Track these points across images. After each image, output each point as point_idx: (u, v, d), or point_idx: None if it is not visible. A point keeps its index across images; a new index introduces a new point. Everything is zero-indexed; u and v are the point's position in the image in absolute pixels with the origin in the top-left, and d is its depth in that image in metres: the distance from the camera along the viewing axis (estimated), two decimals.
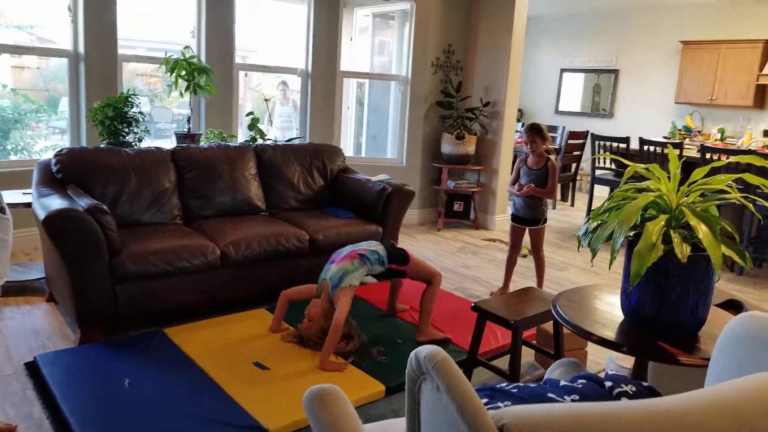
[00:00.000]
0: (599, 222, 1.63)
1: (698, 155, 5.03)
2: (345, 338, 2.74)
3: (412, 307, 3.28)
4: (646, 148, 5.19)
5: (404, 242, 4.98)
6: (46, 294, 3.36)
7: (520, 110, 8.66)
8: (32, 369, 2.54)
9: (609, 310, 1.70)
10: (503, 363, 2.77)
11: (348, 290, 2.69)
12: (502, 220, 5.73)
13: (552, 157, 3.59)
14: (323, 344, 2.64)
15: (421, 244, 5.02)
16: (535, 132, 3.52)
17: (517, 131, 7.09)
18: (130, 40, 4.69)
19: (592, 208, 5.65)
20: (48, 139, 4.67)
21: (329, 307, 2.70)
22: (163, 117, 7.23)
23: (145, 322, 3.04)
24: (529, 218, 3.63)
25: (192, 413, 2.21)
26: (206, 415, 2.20)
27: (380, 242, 2.98)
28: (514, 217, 3.72)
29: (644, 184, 1.62)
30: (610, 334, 1.51)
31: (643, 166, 1.62)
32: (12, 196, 3.47)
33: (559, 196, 7.40)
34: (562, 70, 8.69)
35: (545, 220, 3.66)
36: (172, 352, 2.70)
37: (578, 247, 1.67)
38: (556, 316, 1.63)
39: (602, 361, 2.86)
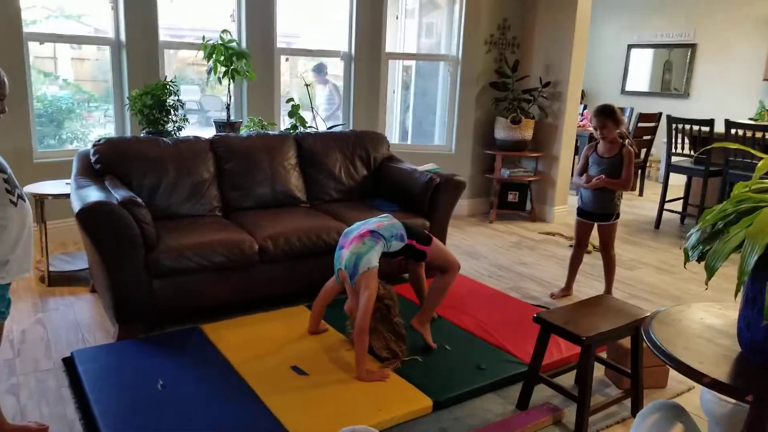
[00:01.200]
0: (707, 227, 1.27)
1: None
2: (395, 337, 2.47)
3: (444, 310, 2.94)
4: (733, 131, 4.60)
5: (454, 235, 4.67)
6: (90, 285, 3.32)
7: (582, 91, 8.11)
8: (69, 365, 2.48)
9: (719, 340, 1.34)
10: (569, 378, 2.45)
11: (369, 274, 2.37)
12: (562, 212, 5.30)
13: (627, 142, 3.17)
14: (385, 342, 2.41)
15: (473, 238, 4.69)
16: (606, 115, 3.11)
17: (580, 114, 6.60)
18: (176, 29, 4.58)
19: (666, 198, 5.16)
20: (106, 128, 4.68)
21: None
22: (214, 105, 7.20)
23: (184, 317, 2.93)
24: (599, 213, 3.24)
25: (223, 423, 2.07)
26: (237, 426, 2.05)
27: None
28: (581, 212, 3.33)
29: None
30: (727, 375, 1.17)
31: None
32: (57, 186, 3.42)
33: None
34: (630, 46, 8.02)
35: (618, 215, 3.25)
36: (208, 351, 2.57)
37: (684, 263, 1.32)
38: (651, 347, 1.29)
39: (685, 380, 2.47)
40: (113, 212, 2.57)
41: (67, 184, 3.52)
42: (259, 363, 2.46)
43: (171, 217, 3.18)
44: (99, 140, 3.24)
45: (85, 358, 2.48)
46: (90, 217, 2.55)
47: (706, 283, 1.22)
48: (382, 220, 2.58)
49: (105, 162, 3.14)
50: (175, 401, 2.19)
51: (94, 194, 2.70)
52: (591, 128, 3.21)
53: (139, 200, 2.72)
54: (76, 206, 2.62)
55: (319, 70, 5.47)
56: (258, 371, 2.39)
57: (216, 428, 2.03)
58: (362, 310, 2.32)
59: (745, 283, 1.20)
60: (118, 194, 2.74)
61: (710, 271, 1.18)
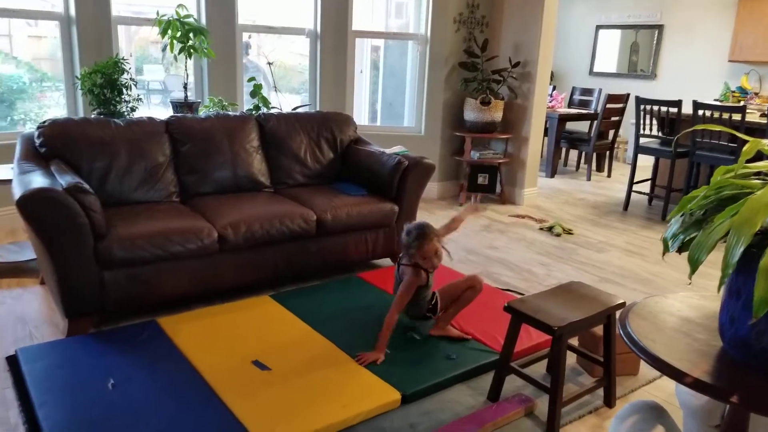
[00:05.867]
0: (686, 215, 1.19)
1: (763, 120, 4.44)
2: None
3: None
4: (701, 112, 4.61)
5: (423, 219, 4.57)
6: (39, 276, 3.11)
7: (551, 72, 8.11)
8: (13, 364, 2.30)
9: (697, 334, 1.28)
10: (540, 367, 2.40)
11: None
12: (532, 194, 5.27)
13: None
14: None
15: (443, 222, 4.59)
16: (429, 238, 2.45)
17: (549, 95, 6.56)
18: (134, 4, 4.30)
19: (635, 180, 5.17)
20: (65, 109, 4.39)
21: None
22: (178, 85, 6.91)
23: (138, 310, 2.78)
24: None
25: (178, 424, 1.93)
26: (193, 428, 1.92)
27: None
28: None
29: (757, 166, 1.17)
30: (709, 375, 1.10)
31: (766, 141, 1.17)
32: (3, 171, 3.16)
33: (594, 166, 6.86)
34: (598, 27, 8.00)
35: None
36: (164, 346, 2.42)
37: (663, 253, 1.24)
38: (629, 343, 1.22)
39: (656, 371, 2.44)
40: (57, 200, 2.38)
41: (12, 168, 3.29)
42: (218, 358, 2.33)
43: (124, 204, 3.00)
44: (44, 122, 3.02)
45: (31, 357, 2.30)
46: (31, 206, 2.34)
47: (690, 277, 1.14)
48: None
49: (51, 145, 2.92)
50: (127, 402, 2.04)
51: (37, 180, 2.50)
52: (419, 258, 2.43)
53: (86, 186, 2.53)
54: (17, 193, 2.41)
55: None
56: (217, 367, 2.26)
57: (171, 430, 1.90)
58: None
59: (732, 277, 1.13)
60: (64, 180, 2.54)
61: (694, 264, 1.10)
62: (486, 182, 5.26)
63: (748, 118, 4.59)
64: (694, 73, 7.06)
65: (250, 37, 4.76)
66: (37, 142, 2.95)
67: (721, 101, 6.22)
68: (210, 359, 2.31)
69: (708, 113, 4.59)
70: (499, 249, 4.01)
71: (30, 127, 4.22)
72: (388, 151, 3.53)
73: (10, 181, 3.02)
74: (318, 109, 4.82)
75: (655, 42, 7.42)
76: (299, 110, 4.12)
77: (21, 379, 2.19)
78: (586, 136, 6.62)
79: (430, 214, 4.78)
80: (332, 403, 2.06)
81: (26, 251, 3.39)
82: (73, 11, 3.87)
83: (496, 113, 5.00)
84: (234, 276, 2.90)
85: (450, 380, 2.26)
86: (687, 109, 4.91)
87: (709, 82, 6.88)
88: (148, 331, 2.54)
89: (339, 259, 3.25)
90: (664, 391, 2.31)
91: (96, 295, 2.53)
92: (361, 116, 5.41)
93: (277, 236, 2.96)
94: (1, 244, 3.52)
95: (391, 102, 5.66)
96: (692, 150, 4.72)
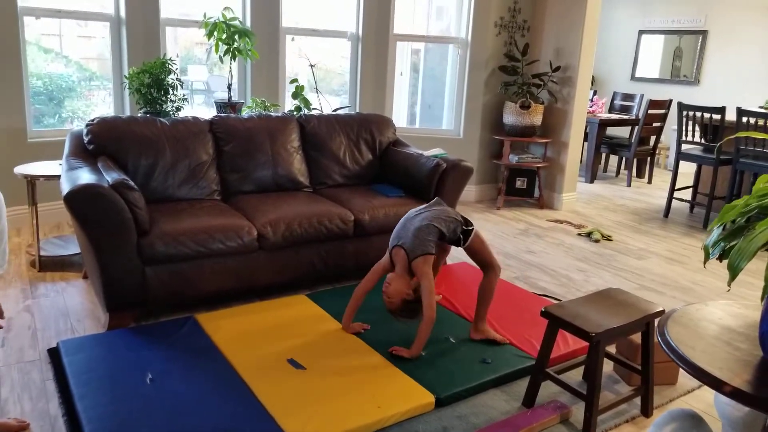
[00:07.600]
0: (727, 222, 1.18)
1: None
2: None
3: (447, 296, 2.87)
4: (745, 120, 4.48)
5: None
6: (83, 271, 3.22)
7: (592, 77, 7.96)
8: (54, 356, 2.37)
9: (738, 343, 1.25)
10: (576, 374, 2.37)
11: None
12: (570, 199, 5.19)
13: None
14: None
15: (480, 225, 4.59)
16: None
17: (590, 100, 6.45)
18: (181, 5, 4.45)
19: (676, 186, 5.04)
20: (112, 108, 4.56)
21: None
22: (221, 86, 7.09)
23: (178, 306, 2.85)
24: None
25: (213, 421, 1.97)
26: (228, 425, 1.95)
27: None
28: None
29: None
30: (749, 384, 1.08)
31: None
32: (50, 167, 3.30)
33: (635, 172, 6.71)
34: (641, 32, 7.82)
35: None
36: (202, 342, 2.47)
37: (705, 261, 1.22)
38: (667, 350, 1.21)
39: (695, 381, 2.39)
40: (103, 196, 2.45)
41: (60, 164, 3.43)
42: (254, 355, 2.37)
43: (167, 201, 3.09)
44: (93, 120, 3.14)
45: (71, 349, 2.36)
46: (78, 201, 2.42)
47: (729, 284, 1.13)
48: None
49: (98, 142, 3.03)
50: (164, 397, 2.08)
51: (84, 176, 2.59)
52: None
53: (131, 183, 2.60)
54: (65, 189, 2.50)
55: None
56: (253, 364, 2.30)
57: (206, 426, 1.93)
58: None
59: None
60: (110, 176, 2.62)
61: (734, 271, 1.08)
62: (524, 186, 5.22)
63: None
64: (739, 80, 6.83)
65: (293, 39, 4.86)
66: (86, 139, 3.05)
67: (766, 109, 5.99)
68: (246, 356, 2.35)
69: (752, 120, 4.44)
70: (536, 254, 3.97)
71: (77, 125, 4.40)
72: (426, 153, 3.55)
73: (56, 176, 3.16)
74: (358, 110, 4.88)
75: (698, 47, 7.21)
76: (339, 112, 4.18)
77: (62, 371, 2.24)
78: (627, 142, 6.48)
79: (468, 217, 4.76)
80: (366, 404, 2.07)
81: (70, 245, 3.50)
82: (123, 13, 4.03)
83: (536, 117, 4.96)
84: (272, 274, 2.95)
85: (485, 384, 2.26)
86: (731, 116, 4.77)
87: (754, 88, 6.64)
88: (187, 326, 2.58)
89: (375, 260, 3.23)
90: (703, 401, 2.25)
91: (137, 289, 2.60)
92: (399, 118, 5.45)
93: (315, 236, 3.00)
94: (47, 238, 3.64)
95: (430, 104, 5.68)
96: (735, 157, 4.57)
